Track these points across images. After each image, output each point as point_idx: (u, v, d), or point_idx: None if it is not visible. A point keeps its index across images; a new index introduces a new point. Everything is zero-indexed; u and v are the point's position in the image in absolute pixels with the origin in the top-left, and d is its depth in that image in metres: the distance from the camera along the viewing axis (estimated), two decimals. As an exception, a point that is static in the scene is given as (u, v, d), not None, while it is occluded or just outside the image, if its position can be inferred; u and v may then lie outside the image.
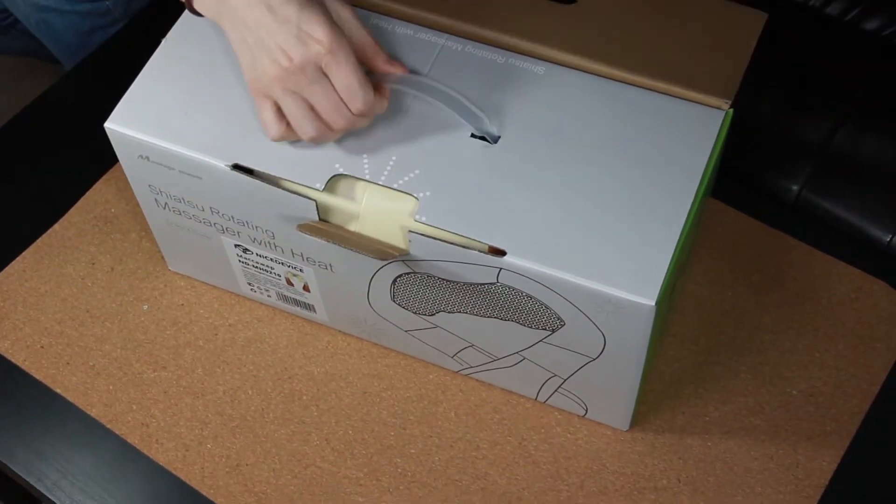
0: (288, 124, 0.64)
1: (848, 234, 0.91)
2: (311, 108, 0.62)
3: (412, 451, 0.75)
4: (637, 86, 0.68)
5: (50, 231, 0.86)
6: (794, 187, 0.94)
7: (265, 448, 0.75)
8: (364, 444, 0.75)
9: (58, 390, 0.78)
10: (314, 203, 0.66)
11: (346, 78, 0.60)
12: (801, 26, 1.05)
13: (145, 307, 0.82)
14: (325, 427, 0.76)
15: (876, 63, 1.02)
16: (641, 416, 0.76)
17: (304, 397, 0.77)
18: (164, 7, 0.71)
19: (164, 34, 0.72)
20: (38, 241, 0.85)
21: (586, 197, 0.64)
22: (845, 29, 1.05)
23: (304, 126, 0.63)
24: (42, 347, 0.80)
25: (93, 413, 0.77)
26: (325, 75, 0.61)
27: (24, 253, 0.85)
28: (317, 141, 0.64)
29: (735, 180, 0.85)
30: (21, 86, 1.46)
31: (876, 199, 0.93)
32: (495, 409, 0.76)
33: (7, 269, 0.84)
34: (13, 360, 0.79)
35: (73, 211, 0.87)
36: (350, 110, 0.62)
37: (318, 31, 0.59)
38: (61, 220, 0.86)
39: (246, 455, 0.75)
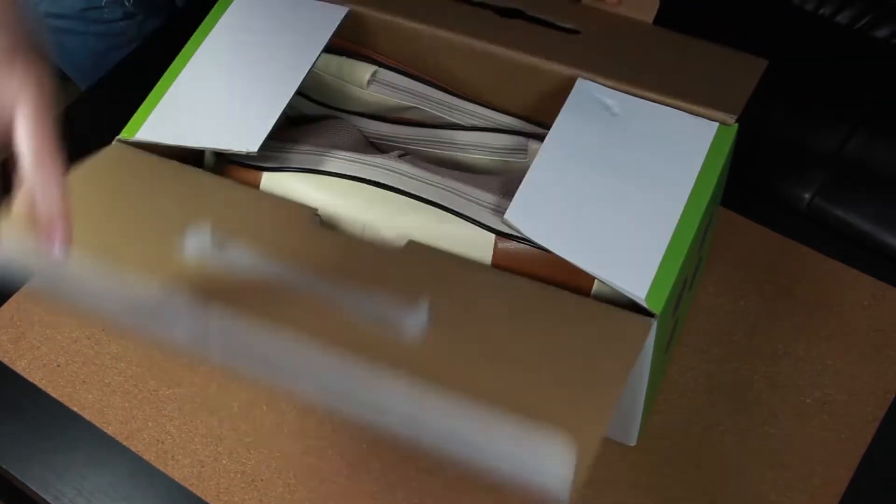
0: None
1: (860, 242, 0.91)
2: None
3: (427, 464, 0.75)
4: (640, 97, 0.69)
5: (65, 250, 0.87)
6: (806, 195, 0.94)
7: (280, 463, 0.75)
8: (379, 459, 0.75)
9: (74, 408, 0.78)
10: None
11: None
12: (811, 35, 1.05)
13: (160, 324, 0.82)
14: (340, 442, 0.76)
15: (887, 71, 1.02)
16: (655, 426, 0.76)
17: (319, 412, 0.77)
18: (178, 27, 0.71)
19: (176, 55, 0.73)
20: (54, 261, 0.86)
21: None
22: (855, 37, 1.05)
23: None
24: (59, 366, 0.80)
25: (109, 431, 0.77)
26: None
27: (40, 272, 0.85)
28: None
29: (746, 189, 0.85)
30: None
31: (888, 205, 0.93)
32: (509, 421, 0.76)
33: (24, 288, 0.85)
34: (30, 379, 0.80)
35: (88, 230, 0.88)
36: None
37: None
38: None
39: (261, 470, 0.75)
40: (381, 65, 0.77)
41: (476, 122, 0.76)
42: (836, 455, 0.74)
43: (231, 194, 0.68)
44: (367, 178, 0.68)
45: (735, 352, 0.79)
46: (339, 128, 0.75)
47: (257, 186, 0.69)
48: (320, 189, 0.68)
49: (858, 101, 0.98)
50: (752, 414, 0.76)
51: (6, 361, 0.81)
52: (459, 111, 0.76)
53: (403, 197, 0.67)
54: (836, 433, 0.75)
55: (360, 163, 0.69)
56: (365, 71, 0.77)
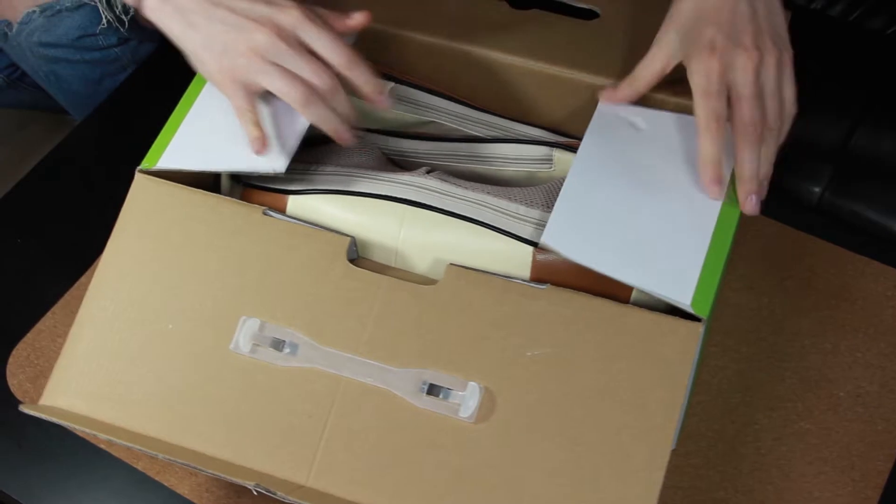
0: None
1: (875, 234, 0.92)
2: (294, 75, 0.66)
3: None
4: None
5: (77, 284, 0.85)
6: (817, 189, 0.94)
7: None
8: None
9: (101, 445, 0.77)
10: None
11: (322, 37, 0.66)
12: (806, 29, 1.06)
13: (182, 354, 0.81)
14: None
15: (885, 61, 1.03)
16: (692, 427, 0.75)
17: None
18: (171, 51, 0.70)
19: (171, 79, 0.72)
20: (67, 295, 0.84)
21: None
22: (850, 29, 1.06)
23: (292, 90, 0.65)
24: (81, 402, 0.79)
25: (139, 466, 0.76)
26: (302, 43, 0.66)
27: (53, 308, 0.84)
28: (307, 108, 0.66)
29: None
30: (26, 138, 1.44)
31: (900, 196, 0.94)
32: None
33: (38, 325, 0.83)
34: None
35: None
36: (333, 67, 0.66)
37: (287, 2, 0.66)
38: (87, 272, 0.85)
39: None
40: (397, 80, 0.76)
41: (496, 134, 0.75)
42: (873, 446, 0.74)
43: (263, 228, 0.67)
44: (398, 196, 0.67)
45: (764, 349, 0.79)
46: (359, 147, 0.74)
47: (283, 210, 0.68)
48: (350, 210, 0.67)
49: (859, 95, 0.99)
50: (786, 410, 0.76)
51: (27, 401, 0.79)
52: (479, 123, 0.76)
53: (436, 213, 0.66)
54: (872, 425, 0.75)
55: (389, 181, 0.68)
56: (381, 87, 0.76)
